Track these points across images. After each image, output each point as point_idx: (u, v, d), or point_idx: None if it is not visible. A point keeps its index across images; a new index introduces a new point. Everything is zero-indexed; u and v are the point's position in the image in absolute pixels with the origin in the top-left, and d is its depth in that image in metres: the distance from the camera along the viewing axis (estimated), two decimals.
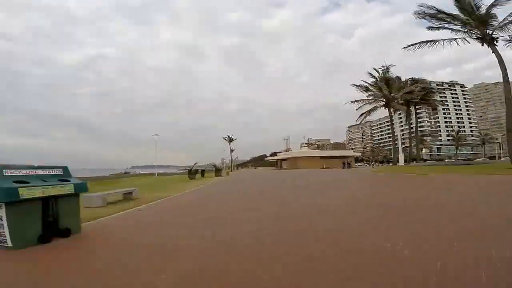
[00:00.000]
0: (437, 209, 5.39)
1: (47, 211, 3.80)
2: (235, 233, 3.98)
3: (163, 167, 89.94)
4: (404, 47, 21.49)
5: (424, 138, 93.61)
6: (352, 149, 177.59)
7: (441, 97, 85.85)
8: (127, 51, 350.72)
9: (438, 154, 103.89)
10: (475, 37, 18.47)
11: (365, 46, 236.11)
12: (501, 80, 18.12)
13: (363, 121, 41.30)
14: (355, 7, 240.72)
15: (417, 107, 40.33)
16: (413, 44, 21.26)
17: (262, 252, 3.03)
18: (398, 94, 33.98)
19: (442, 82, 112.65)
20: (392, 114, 35.58)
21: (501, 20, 17.35)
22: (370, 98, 36.15)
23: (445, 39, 19.57)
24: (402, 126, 59.34)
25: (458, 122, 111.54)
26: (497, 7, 17.16)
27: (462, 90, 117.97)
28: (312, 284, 2.15)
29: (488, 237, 3.26)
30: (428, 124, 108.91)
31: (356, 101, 37.52)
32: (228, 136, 74.31)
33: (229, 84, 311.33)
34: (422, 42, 20.81)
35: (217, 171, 34.65)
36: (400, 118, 49.45)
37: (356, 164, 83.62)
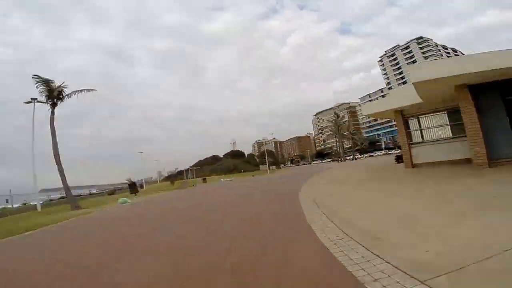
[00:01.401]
0: None
1: None
2: None
3: (83, 188, 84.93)
4: None
5: None
6: (324, 140, 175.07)
7: None
8: (31, 52, 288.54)
9: None
10: None
11: (299, 52, 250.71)
12: None
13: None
14: (290, 14, 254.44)
15: None
16: None
17: None
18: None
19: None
20: None
21: None
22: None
23: None
24: None
25: None
26: None
27: None
28: None
29: None
30: None
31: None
32: None
33: (165, 90, 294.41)
34: None
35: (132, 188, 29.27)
36: None
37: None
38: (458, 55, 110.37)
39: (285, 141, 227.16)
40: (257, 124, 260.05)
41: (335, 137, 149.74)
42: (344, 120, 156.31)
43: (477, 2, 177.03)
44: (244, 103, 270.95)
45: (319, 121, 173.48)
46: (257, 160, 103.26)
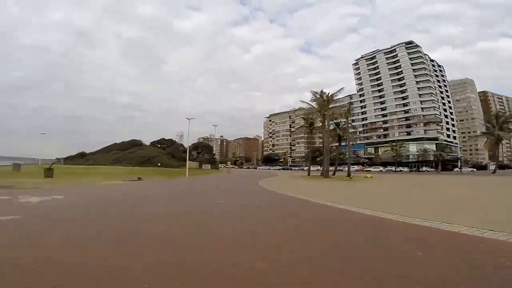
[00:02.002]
0: None
1: None
2: None
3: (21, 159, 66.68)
4: None
5: None
6: (274, 145, 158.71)
7: None
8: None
9: None
10: None
11: (259, 62, 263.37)
12: None
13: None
14: (259, 25, 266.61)
15: None
16: None
17: None
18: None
19: None
20: None
21: None
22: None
23: None
24: None
25: None
26: None
27: None
28: None
29: None
30: None
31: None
32: None
33: (123, 76, 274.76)
34: None
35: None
36: None
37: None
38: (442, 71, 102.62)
39: (232, 140, 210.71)
40: (209, 123, 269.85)
41: (289, 142, 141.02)
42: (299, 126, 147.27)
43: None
44: (200, 102, 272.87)
45: (271, 124, 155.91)
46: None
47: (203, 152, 78.27)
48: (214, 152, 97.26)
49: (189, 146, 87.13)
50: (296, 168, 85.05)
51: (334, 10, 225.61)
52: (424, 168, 71.60)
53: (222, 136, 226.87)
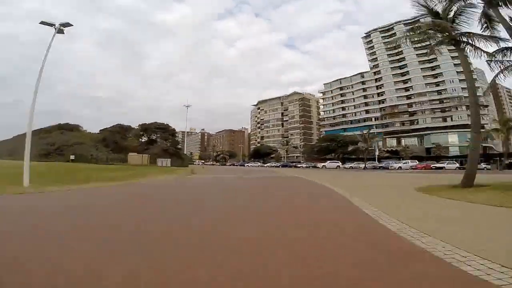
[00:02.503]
0: None
1: None
2: None
3: None
4: None
5: None
6: (263, 137, 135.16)
7: None
8: None
9: None
10: None
11: (243, 57, 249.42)
12: None
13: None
14: (244, 19, 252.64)
15: None
16: None
17: None
18: None
19: None
20: None
21: None
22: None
23: None
24: None
25: None
26: None
27: None
28: None
29: None
30: None
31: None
32: None
33: (101, 70, 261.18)
34: None
35: None
36: None
37: None
38: None
39: (214, 133, 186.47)
40: (191, 119, 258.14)
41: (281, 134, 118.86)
42: (293, 114, 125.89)
43: None
44: (183, 98, 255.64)
45: (260, 113, 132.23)
46: (138, 141, 53.89)
47: (161, 137, 53.45)
48: (179, 139, 72.32)
49: (137, 128, 57.24)
50: (304, 166, 62.54)
51: (318, 6, 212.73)
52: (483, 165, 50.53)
53: (203, 130, 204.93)
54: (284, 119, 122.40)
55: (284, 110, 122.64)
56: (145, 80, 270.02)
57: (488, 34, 11.12)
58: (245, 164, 79.92)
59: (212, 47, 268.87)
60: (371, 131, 64.61)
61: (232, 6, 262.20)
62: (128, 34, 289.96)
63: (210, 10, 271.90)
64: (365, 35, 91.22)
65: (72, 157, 33.36)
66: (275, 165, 69.32)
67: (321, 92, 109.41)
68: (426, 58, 71.59)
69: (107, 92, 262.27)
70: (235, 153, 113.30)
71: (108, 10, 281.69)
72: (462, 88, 66.38)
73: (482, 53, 11.20)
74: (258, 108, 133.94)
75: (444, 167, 42.95)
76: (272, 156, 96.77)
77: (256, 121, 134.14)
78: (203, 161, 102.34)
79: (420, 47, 21.58)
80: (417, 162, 48.61)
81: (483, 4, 10.81)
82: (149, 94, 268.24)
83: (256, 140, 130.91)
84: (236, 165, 76.00)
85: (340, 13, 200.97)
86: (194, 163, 77.03)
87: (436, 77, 71.14)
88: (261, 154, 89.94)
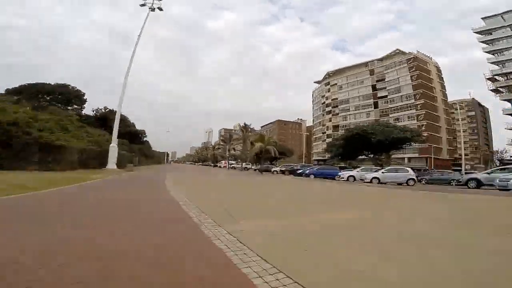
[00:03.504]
0: None
1: None
2: None
3: None
4: None
5: None
6: (337, 125, 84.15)
7: None
8: (44, 24, 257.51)
9: None
10: None
11: (291, 60, 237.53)
12: None
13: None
14: (290, 23, 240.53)
15: None
16: None
17: None
18: None
19: None
20: None
21: None
22: None
23: None
24: None
25: None
26: None
27: None
28: None
29: None
30: None
31: None
32: None
33: (159, 76, 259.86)
34: None
35: None
36: None
37: None
38: None
39: (261, 128, 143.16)
40: (240, 122, 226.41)
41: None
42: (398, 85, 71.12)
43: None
44: (231, 100, 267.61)
45: (330, 90, 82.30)
46: None
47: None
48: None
49: None
50: None
51: (369, 7, 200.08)
52: None
53: (250, 124, 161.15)
54: (379, 95, 70.76)
55: (378, 81, 70.85)
56: (198, 84, 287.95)
57: None
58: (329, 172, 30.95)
59: (260, 52, 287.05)
60: None
61: (276, 11, 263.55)
62: (182, 41, 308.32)
63: (255, 16, 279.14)
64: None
65: None
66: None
67: None
68: None
69: (164, 96, 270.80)
70: (291, 150, 64.99)
71: (164, 19, 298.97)
72: None
73: None
74: (327, 84, 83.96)
75: None
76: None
77: (323, 102, 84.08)
78: (231, 163, 57.87)
79: None
80: None
81: None
82: (201, 97, 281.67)
83: (323, 132, 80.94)
84: (300, 171, 27.87)
85: (391, 14, 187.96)
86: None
87: None
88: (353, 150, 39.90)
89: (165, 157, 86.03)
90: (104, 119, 32.65)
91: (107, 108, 36.33)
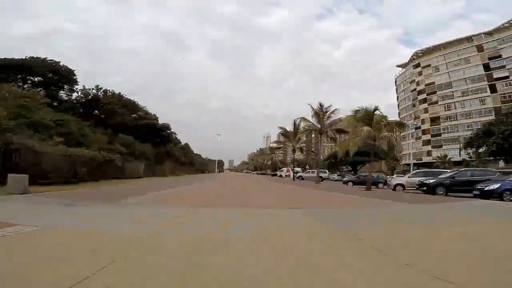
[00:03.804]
0: None
1: None
2: None
3: None
4: None
5: None
6: (436, 117, 62.40)
7: None
8: (93, 29, 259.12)
9: None
10: None
11: (353, 57, 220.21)
12: None
13: None
14: (347, 17, 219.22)
15: None
16: None
17: None
18: None
19: None
20: None
21: None
22: None
23: None
24: None
25: None
26: None
27: None
28: None
29: None
30: None
31: None
32: None
33: (214, 79, 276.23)
34: None
35: None
36: None
37: None
38: None
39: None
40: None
41: None
42: None
43: None
44: (289, 103, 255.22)
45: (421, 73, 62.29)
46: None
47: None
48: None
49: None
50: None
51: None
52: None
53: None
54: (496, 76, 49.42)
55: (490, 59, 49.53)
56: (255, 87, 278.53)
57: None
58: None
59: (317, 49, 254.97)
60: None
61: (330, 4, 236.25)
62: (234, 41, 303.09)
63: (307, 11, 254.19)
64: None
65: None
66: None
67: None
68: None
69: (220, 101, 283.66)
70: (383, 151, 48.07)
71: (215, 20, 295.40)
72: None
73: None
74: (417, 66, 63.87)
75: None
76: None
77: (413, 91, 64.10)
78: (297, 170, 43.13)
79: None
80: None
81: None
82: (259, 100, 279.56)
83: (417, 126, 60.83)
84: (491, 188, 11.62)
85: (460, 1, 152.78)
86: None
87: None
88: None
89: (215, 165, 75.34)
90: (91, 105, 22.37)
91: (100, 88, 25.78)
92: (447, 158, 46.65)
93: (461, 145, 36.77)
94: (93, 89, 26.08)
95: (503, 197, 10.46)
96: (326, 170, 38.37)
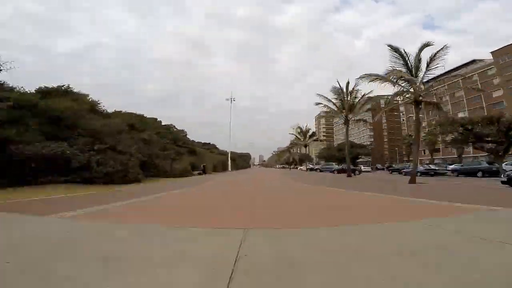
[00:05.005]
0: None
1: None
2: None
3: None
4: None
5: None
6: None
7: None
8: (126, 41, 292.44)
9: None
10: None
11: (373, 47, 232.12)
12: None
13: None
14: (363, 7, 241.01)
15: None
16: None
17: None
18: None
19: None
20: None
21: None
22: None
23: None
24: None
25: None
26: None
27: None
28: None
29: None
30: None
31: None
32: None
33: (238, 80, 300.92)
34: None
35: None
36: None
37: None
38: None
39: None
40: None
41: None
42: None
43: None
44: (314, 98, 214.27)
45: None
46: None
47: None
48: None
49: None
50: None
51: None
52: None
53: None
54: None
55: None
56: (278, 84, 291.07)
57: None
58: None
59: (337, 42, 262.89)
60: None
61: None
62: (253, 41, 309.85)
63: (321, 5, 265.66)
64: None
65: None
66: None
67: None
68: None
69: (246, 101, 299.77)
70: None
71: (233, 22, 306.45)
72: None
73: None
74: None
75: None
76: None
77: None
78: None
79: None
80: None
81: None
82: (284, 97, 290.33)
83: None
84: None
85: None
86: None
87: None
88: None
89: (249, 161, 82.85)
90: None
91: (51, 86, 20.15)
92: None
93: None
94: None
95: None
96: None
